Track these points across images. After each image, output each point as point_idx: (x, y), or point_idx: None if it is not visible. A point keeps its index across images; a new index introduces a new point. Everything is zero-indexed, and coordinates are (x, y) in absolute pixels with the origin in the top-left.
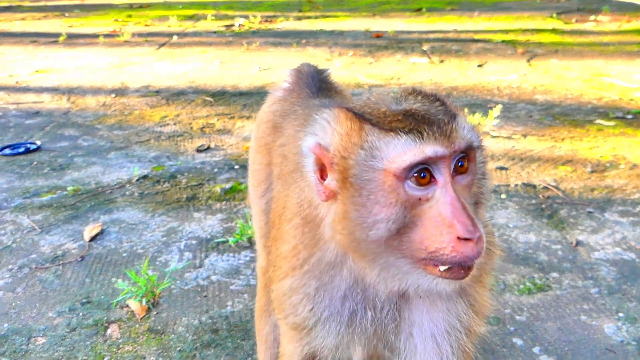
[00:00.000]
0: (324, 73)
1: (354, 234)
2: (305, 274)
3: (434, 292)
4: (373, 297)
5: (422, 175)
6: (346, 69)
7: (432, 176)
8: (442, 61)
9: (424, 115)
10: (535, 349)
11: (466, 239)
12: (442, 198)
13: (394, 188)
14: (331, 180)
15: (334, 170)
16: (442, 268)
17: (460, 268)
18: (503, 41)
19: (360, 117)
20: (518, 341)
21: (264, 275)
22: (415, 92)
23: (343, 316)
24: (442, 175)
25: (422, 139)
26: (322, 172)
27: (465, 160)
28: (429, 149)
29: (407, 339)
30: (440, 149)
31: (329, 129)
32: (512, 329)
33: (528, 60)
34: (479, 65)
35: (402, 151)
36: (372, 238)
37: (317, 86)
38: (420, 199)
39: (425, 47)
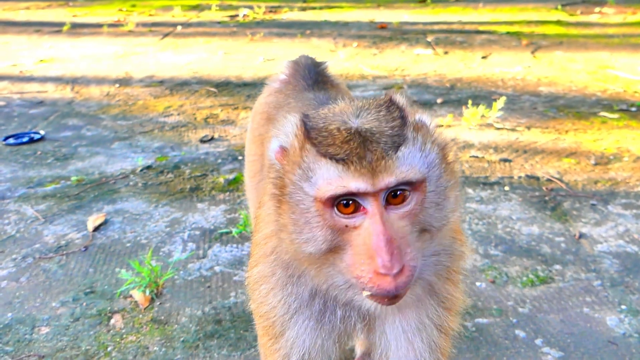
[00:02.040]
0: (321, 66)
1: (293, 244)
2: (273, 262)
3: (373, 309)
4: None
5: (346, 204)
6: (350, 60)
7: (361, 205)
8: (446, 52)
9: (366, 140)
10: (538, 341)
11: (384, 274)
12: (369, 228)
13: (321, 213)
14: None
15: (277, 183)
16: (365, 294)
17: (382, 297)
18: (507, 33)
19: (307, 133)
20: (520, 333)
21: None
22: (382, 105)
23: (313, 310)
24: (371, 206)
25: (349, 171)
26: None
27: (404, 191)
28: (352, 183)
29: (381, 336)
30: (362, 185)
31: (290, 137)
32: (514, 321)
33: (532, 52)
34: (484, 57)
35: (328, 181)
36: (307, 252)
37: (313, 79)
38: (346, 225)
39: (430, 38)
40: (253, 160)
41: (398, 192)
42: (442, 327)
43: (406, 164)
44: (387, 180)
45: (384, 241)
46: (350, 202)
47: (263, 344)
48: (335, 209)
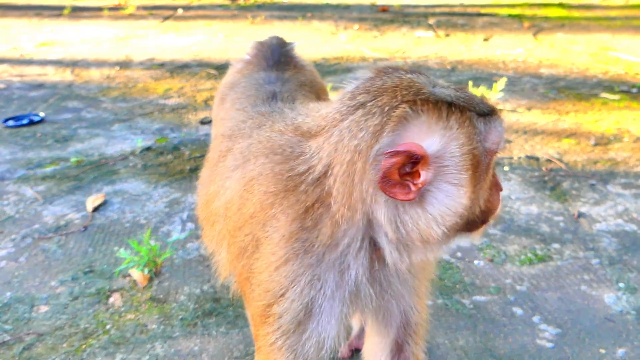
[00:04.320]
0: (287, 46)
1: (446, 220)
2: (298, 249)
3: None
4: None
5: None
6: (351, 43)
7: None
8: (447, 35)
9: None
10: (535, 318)
11: None
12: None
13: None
14: (426, 176)
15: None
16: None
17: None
18: (509, 15)
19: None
20: (518, 310)
21: None
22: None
23: (338, 297)
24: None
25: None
26: (404, 170)
27: None
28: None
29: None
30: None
31: (425, 126)
32: (512, 298)
33: (534, 34)
34: (485, 39)
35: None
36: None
37: (275, 59)
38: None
39: (431, 21)
40: (212, 146)
41: None
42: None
43: None
44: None
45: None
46: None
47: (273, 342)
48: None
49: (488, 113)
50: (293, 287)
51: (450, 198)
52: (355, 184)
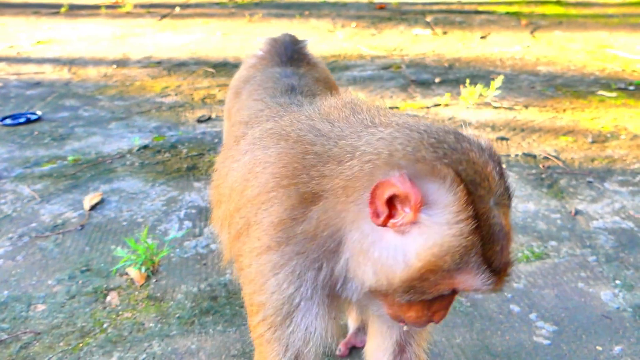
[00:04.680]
0: (300, 44)
1: (386, 270)
2: (287, 251)
3: None
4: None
5: None
6: (349, 41)
7: None
8: (445, 33)
9: (508, 244)
10: (532, 316)
11: None
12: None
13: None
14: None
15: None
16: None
17: None
18: (507, 13)
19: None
20: (515, 308)
21: None
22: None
23: (323, 296)
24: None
25: (494, 281)
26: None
27: None
28: (483, 286)
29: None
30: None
31: (438, 190)
32: (509, 296)
33: (532, 32)
34: (482, 37)
35: (473, 280)
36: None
37: (288, 56)
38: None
39: (429, 18)
40: (225, 136)
41: None
42: None
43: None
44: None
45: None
46: None
47: (262, 334)
48: None
49: (495, 270)
50: (273, 276)
51: (397, 256)
52: (349, 194)
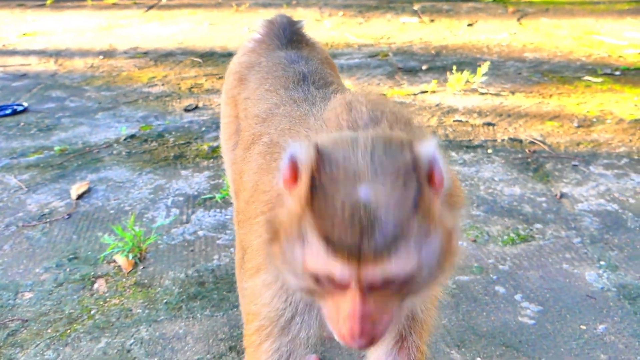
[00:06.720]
0: (296, 25)
1: (280, 269)
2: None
3: None
4: None
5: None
6: (336, 29)
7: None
8: (432, 20)
9: (367, 226)
10: (517, 296)
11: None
12: (347, 301)
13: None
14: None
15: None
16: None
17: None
18: (494, 1)
19: (310, 198)
20: (500, 289)
21: None
22: (401, 166)
23: (314, 308)
24: (352, 288)
25: (337, 258)
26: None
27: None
28: (337, 272)
29: None
30: (347, 276)
31: (302, 158)
32: (494, 277)
33: (518, 19)
34: (470, 25)
35: (316, 257)
36: (291, 285)
37: (287, 38)
38: (327, 286)
39: (416, 6)
40: (228, 122)
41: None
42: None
43: (400, 262)
44: (375, 277)
45: (357, 321)
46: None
47: (253, 342)
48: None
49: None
50: (267, 291)
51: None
52: None
